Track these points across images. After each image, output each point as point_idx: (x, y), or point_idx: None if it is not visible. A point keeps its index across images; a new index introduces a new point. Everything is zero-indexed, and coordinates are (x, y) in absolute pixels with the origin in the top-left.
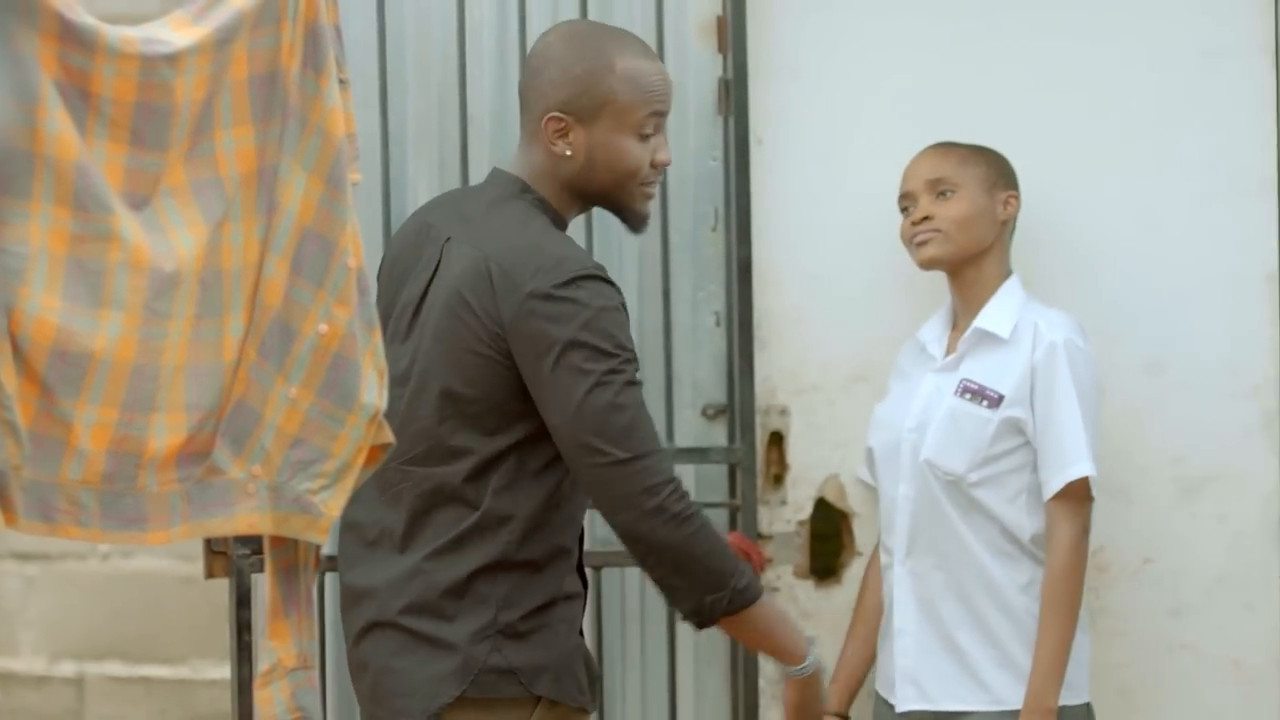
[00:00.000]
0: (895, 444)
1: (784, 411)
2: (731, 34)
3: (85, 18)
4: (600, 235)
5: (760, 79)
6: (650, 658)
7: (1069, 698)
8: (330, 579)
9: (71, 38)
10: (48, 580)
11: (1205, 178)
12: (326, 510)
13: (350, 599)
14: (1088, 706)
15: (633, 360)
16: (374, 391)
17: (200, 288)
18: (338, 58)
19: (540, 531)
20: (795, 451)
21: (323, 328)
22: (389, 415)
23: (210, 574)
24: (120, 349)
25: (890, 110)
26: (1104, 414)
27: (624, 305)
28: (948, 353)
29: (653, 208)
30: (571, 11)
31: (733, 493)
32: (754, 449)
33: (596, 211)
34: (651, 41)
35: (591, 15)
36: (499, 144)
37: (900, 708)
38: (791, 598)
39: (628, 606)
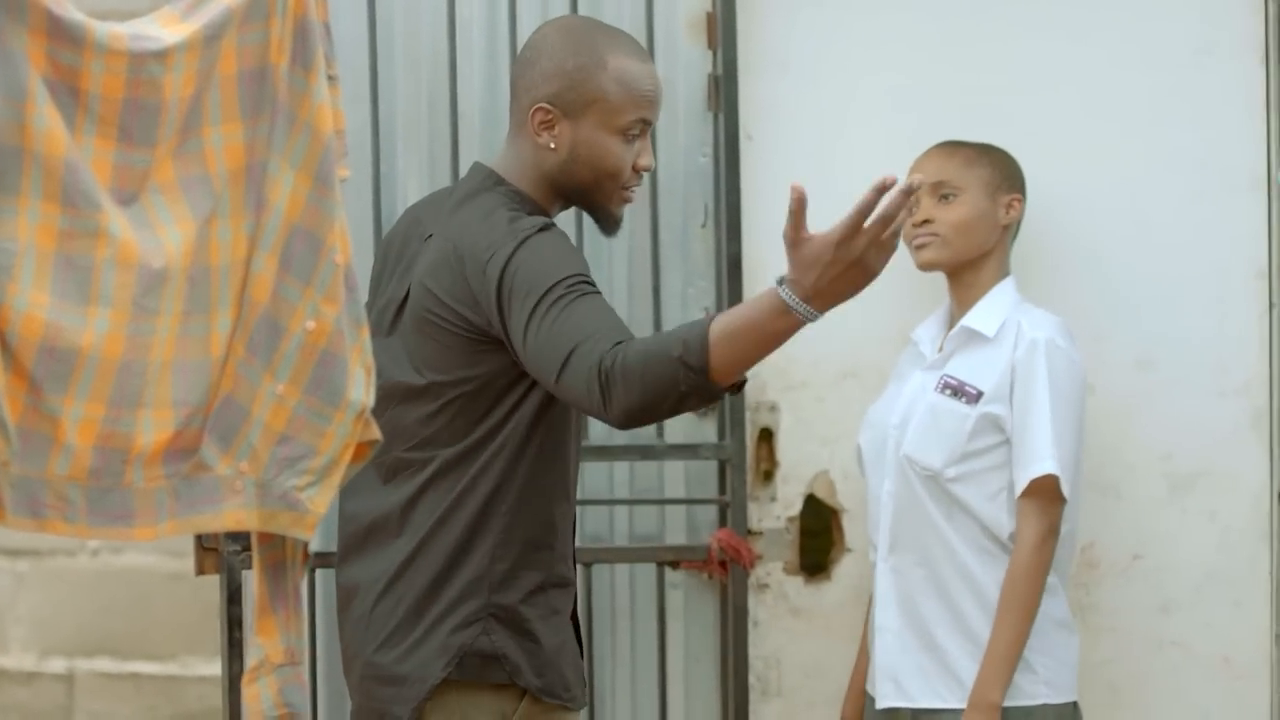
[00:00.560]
0: (881, 441)
1: (774, 408)
2: (721, 30)
3: (74, 14)
4: (591, 232)
5: (750, 75)
6: (640, 654)
7: (1053, 696)
8: (321, 575)
9: (60, 34)
10: (37, 576)
11: (1195, 175)
12: (313, 507)
13: (345, 594)
14: (1074, 706)
15: (581, 279)
16: (361, 388)
17: (188, 284)
18: (327, 54)
19: (533, 511)
20: (785, 448)
21: (310, 324)
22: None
23: (201, 570)
24: (108, 345)
25: (880, 107)
26: (1093, 410)
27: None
28: (939, 351)
29: (643, 204)
30: (562, 8)
31: (722, 489)
32: (744, 445)
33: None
34: (641, 38)
35: (582, 12)
36: (489, 140)
37: (880, 704)
38: (781, 594)
39: (617, 603)
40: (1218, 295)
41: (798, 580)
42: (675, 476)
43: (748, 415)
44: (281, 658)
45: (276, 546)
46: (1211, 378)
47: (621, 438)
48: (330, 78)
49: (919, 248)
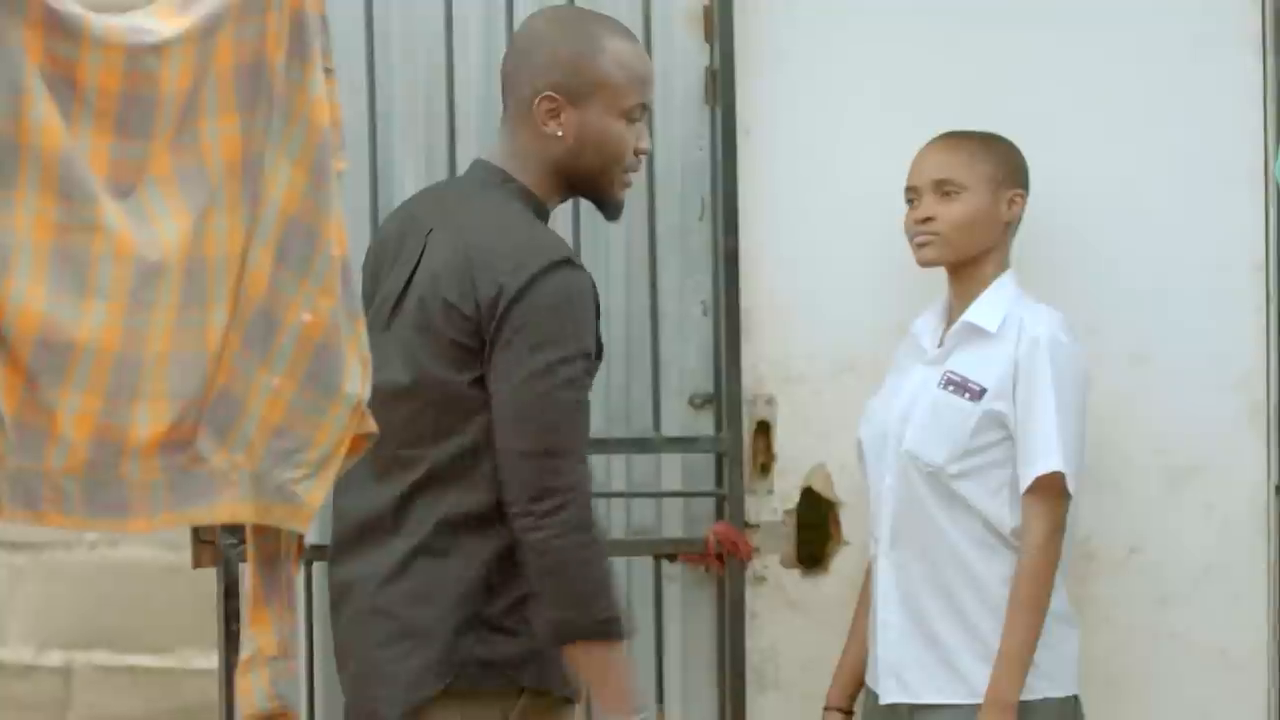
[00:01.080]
0: (882, 436)
1: (771, 401)
2: (719, 24)
3: (71, 7)
4: (587, 226)
5: (747, 69)
6: (637, 647)
7: (1054, 690)
8: (316, 568)
9: (57, 27)
10: (35, 569)
11: (1193, 168)
12: (309, 499)
13: (339, 590)
14: (1075, 700)
15: (584, 358)
16: (357, 381)
17: (184, 277)
18: (323, 47)
19: None
20: (782, 441)
21: (306, 317)
22: (376, 403)
23: (198, 564)
24: (104, 338)
25: (878, 100)
26: (1090, 404)
27: (595, 294)
28: (939, 346)
29: (639, 197)
30: None
31: (719, 482)
32: (741, 438)
33: (584, 203)
34: (638, 31)
35: (579, 3)
36: (486, 132)
37: (882, 699)
38: (778, 587)
39: None
40: (1215, 288)
41: (795, 573)
42: (672, 469)
43: (745, 408)
44: (275, 650)
45: (271, 539)
46: (1209, 371)
47: (618, 430)
48: (327, 70)
49: (920, 245)
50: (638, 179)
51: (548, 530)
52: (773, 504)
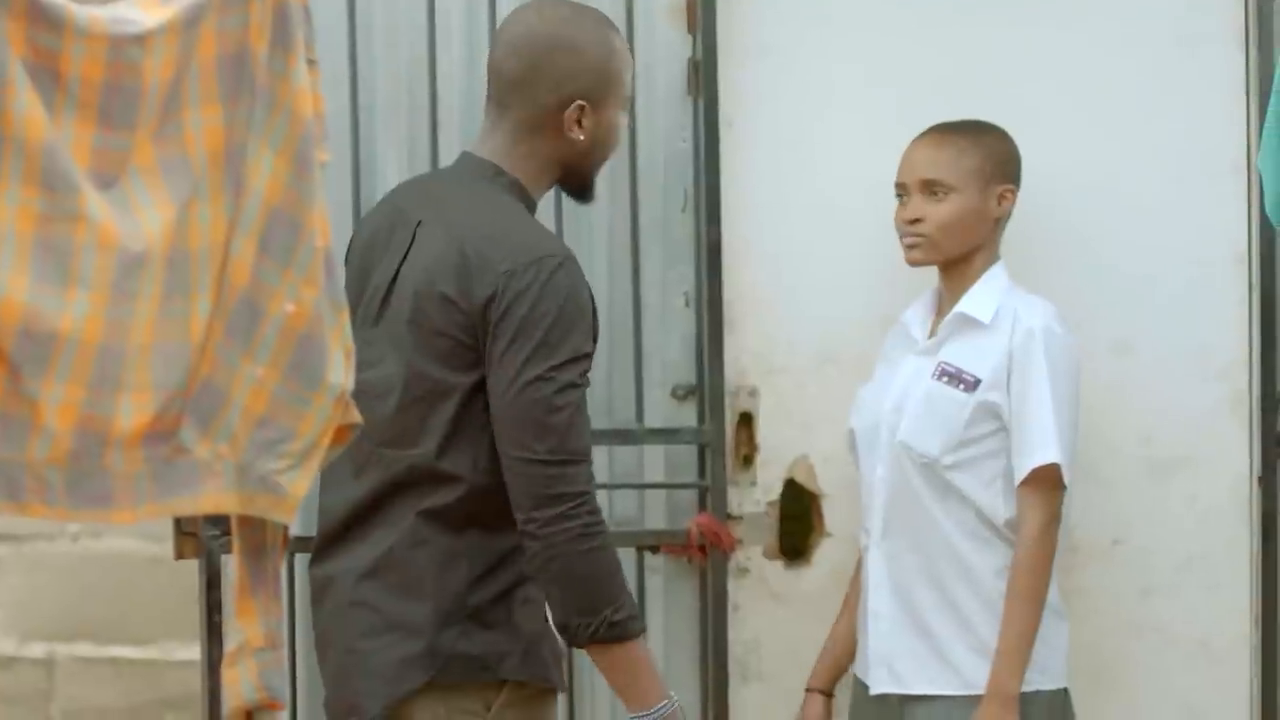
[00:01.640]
0: (875, 426)
1: (754, 392)
2: (701, 15)
3: None
4: (570, 217)
5: (730, 60)
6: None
7: (1045, 683)
8: (300, 560)
9: (40, 18)
10: (17, 561)
11: (1177, 161)
12: (292, 490)
13: (321, 584)
14: (1065, 692)
15: (584, 360)
16: (340, 371)
17: (168, 267)
18: (306, 38)
19: (507, 510)
20: (765, 432)
21: (289, 307)
22: (361, 399)
23: (180, 555)
24: (87, 328)
25: (861, 93)
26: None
27: (590, 295)
28: (930, 336)
29: (622, 189)
30: None
31: (702, 473)
32: (723, 430)
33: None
34: (620, 22)
35: None
36: (468, 123)
37: (873, 690)
38: (761, 579)
39: None
40: (1198, 280)
41: (777, 565)
42: (655, 461)
43: (727, 400)
44: (261, 642)
45: (256, 530)
46: (1192, 362)
47: (601, 422)
48: (310, 61)
49: (909, 247)
50: (620, 171)
51: (556, 537)
52: (755, 496)
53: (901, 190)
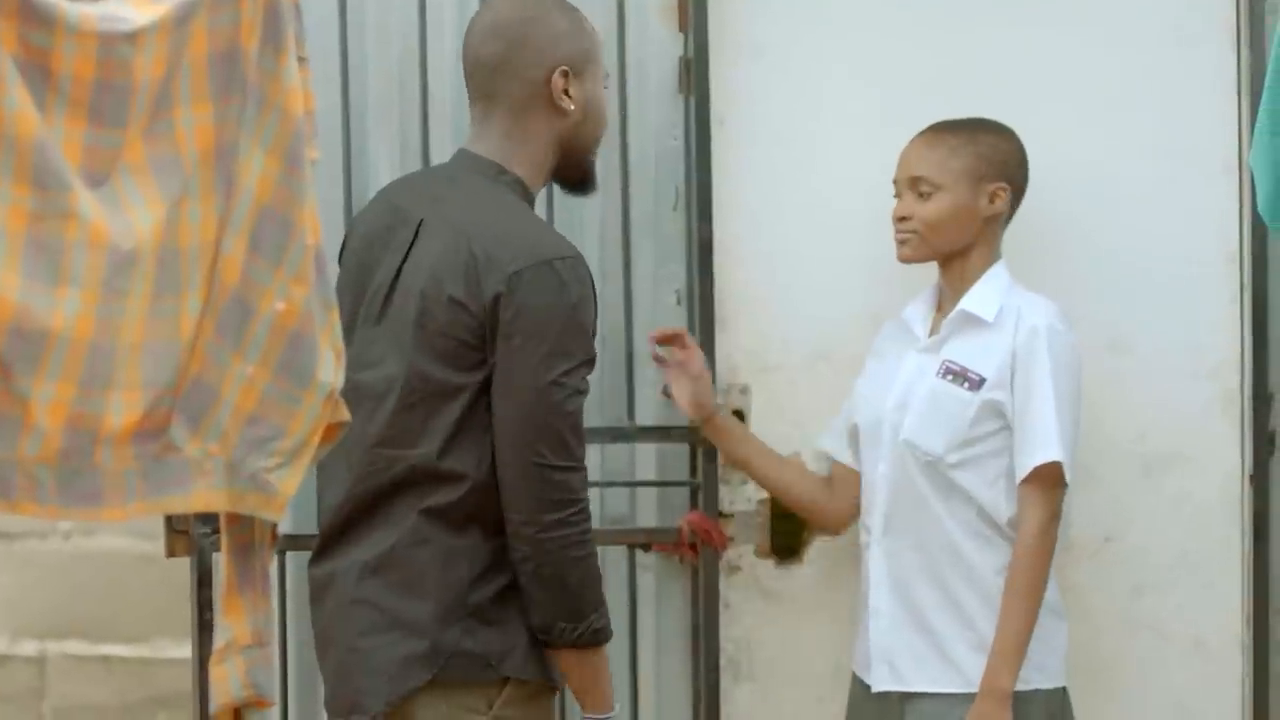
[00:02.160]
0: (877, 423)
1: (745, 390)
2: (693, 13)
3: None
4: (561, 215)
5: (721, 58)
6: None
7: (1043, 681)
8: (291, 557)
9: (32, 15)
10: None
11: (1169, 159)
12: (282, 488)
13: (321, 582)
14: (1063, 691)
15: (590, 365)
16: (330, 369)
17: (158, 265)
18: (297, 35)
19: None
20: (757, 430)
21: (280, 306)
22: (361, 398)
23: (171, 553)
24: (78, 327)
25: (852, 90)
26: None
27: (596, 294)
28: (931, 334)
29: (613, 186)
30: None
31: (694, 471)
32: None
33: (557, 193)
34: (612, 20)
35: None
36: (460, 120)
37: (874, 688)
38: (753, 577)
39: None
40: (1190, 279)
41: (769, 563)
42: (646, 459)
43: (719, 397)
44: (249, 639)
45: (245, 528)
46: (1184, 360)
47: (592, 420)
48: (300, 59)
49: (900, 243)
50: (612, 168)
51: (550, 542)
52: (747, 493)
53: (896, 187)
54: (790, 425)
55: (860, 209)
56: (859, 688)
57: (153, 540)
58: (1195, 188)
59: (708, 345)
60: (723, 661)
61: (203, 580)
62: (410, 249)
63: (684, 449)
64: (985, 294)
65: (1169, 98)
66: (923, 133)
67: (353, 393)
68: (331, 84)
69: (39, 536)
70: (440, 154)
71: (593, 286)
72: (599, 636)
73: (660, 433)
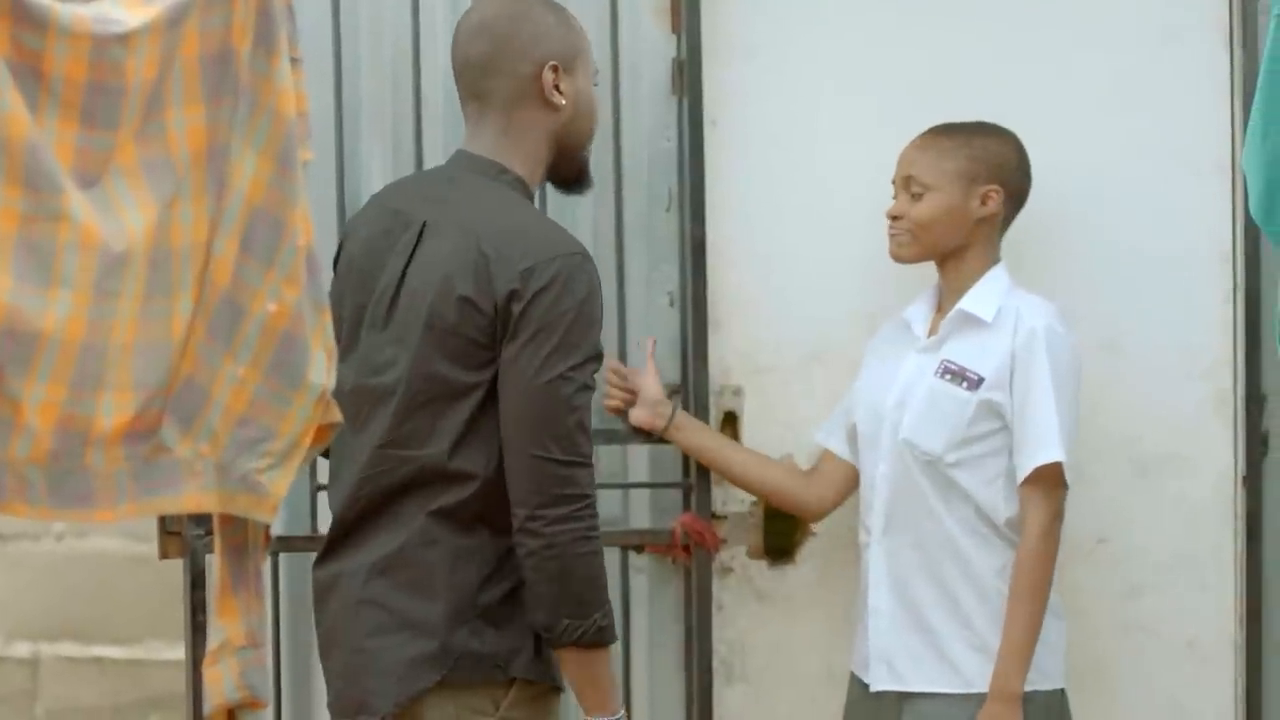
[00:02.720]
0: (877, 423)
1: (738, 392)
2: (685, 15)
3: None
4: (553, 216)
5: (714, 60)
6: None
7: (1042, 683)
8: (284, 558)
9: (24, 17)
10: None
11: (1160, 158)
12: (273, 489)
13: (326, 583)
14: (1062, 693)
15: (598, 361)
16: (322, 371)
17: (150, 267)
18: (289, 36)
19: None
20: (750, 432)
21: (271, 307)
22: (369, 400)
23: (164, 554)
24: (69, 328)
25: (845, 92)
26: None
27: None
28: (930, 334)
29: (606, 188)
30: None
31: (686, 473)
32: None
33: (551, 194)
34: (605, 21)
35: None
36: (453, 121)
37: (873, 687)
38: (746, 578)
39: None
40: (1183, 279)
41: (762, 564)
42: (639, 460)
43: (712, 399)
44: (243, 640)
45: (238, 529)
46: (1177, 361)
47: None
48: (293, 60)
49: (895, 242)
50: (605, 170)
51: (559, 537)
52: (740, 495)
53: (893, 187)
54: (783, 427)
55: (854, 210)
56: (857, 688)
57: (146, 542)
58: (1188, 188)
59: (700, 347)
60: (715, 663)
61: (196, 582)
62: (414, 251)
63: (677, 450)
64: (984, 295)
65: (1161, 98)
66: (921, 134)
67: (362, 396)
68: (324, 85)
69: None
70: (433, 155)
71: (599, 283)
72: (604, 635)
73: (653, 434)
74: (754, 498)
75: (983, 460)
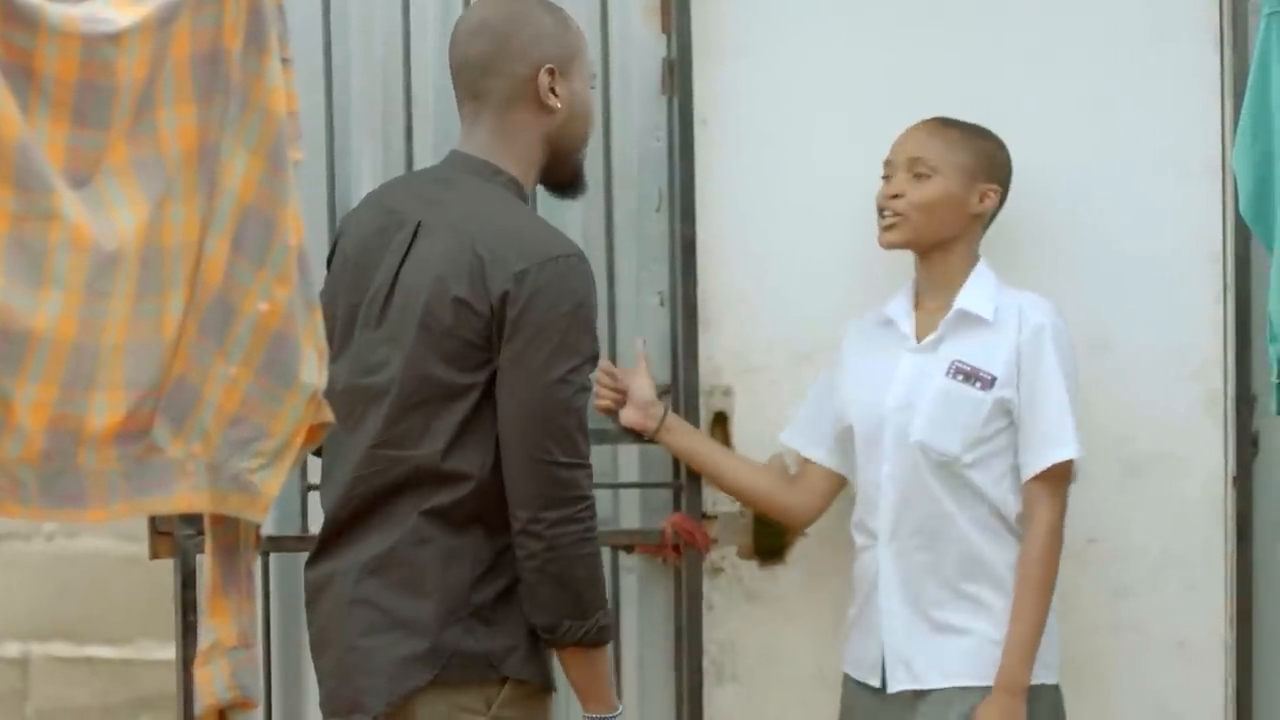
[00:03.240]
0: (877, 425)
1: (728, 392)
2: (676, 14)
3: None
4: (543, 216)
5: (705, 60)
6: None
7: (1047, 677)
8: (275, 558)
9: (15, 17)
10: None
11: (1149, 158)
12: (265, 489)
13: (318, 582)
14: (1057, 689)
15: (594, 362)
16: (313, 370)
17: (141, 266)
18: (280, 36)
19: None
20: (740, 432)
21: (263, 306)
22: (362, 400)
23: (155, 554)
24: (61, 327)
25: (835, 91)
26: None
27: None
28: (920, 331)
29: (596, 188)
30: None
31: (676, 473)
32: (698, 429)
33: (542, 194)
34: (596, 21)
35: None
36: (443, 121)
37: (891, 689)
38: (736, 578)
39: None
40: (1172, 279)
41: (752, 564)
42: (629, 460)
43: (702, 399)
44: (234, 640)
45: (229, 529)
46: (1167, 361)
47: None
48: (284, 60)
49: (885, 227)
50: (595, 170)
51: (558, 539)
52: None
53: (888, 169)
54: (773, 426)
55: (844, 210)
56: (857, 690)
57: (136, 542)
58: (1178, 188)
59: (690, 347)
60: (706, 663)
61: (186, 582)
62: (408, 251)
63: (667, 451)
64: (979, 293)
65: (1151, 98)
66: (925, 121)
67: (355, 396)
68: (315, 84)
69: (22, 538)
70: (423, 154)
71: (594, 284)
72: (604, 635)
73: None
74: None
75: (992, 459)
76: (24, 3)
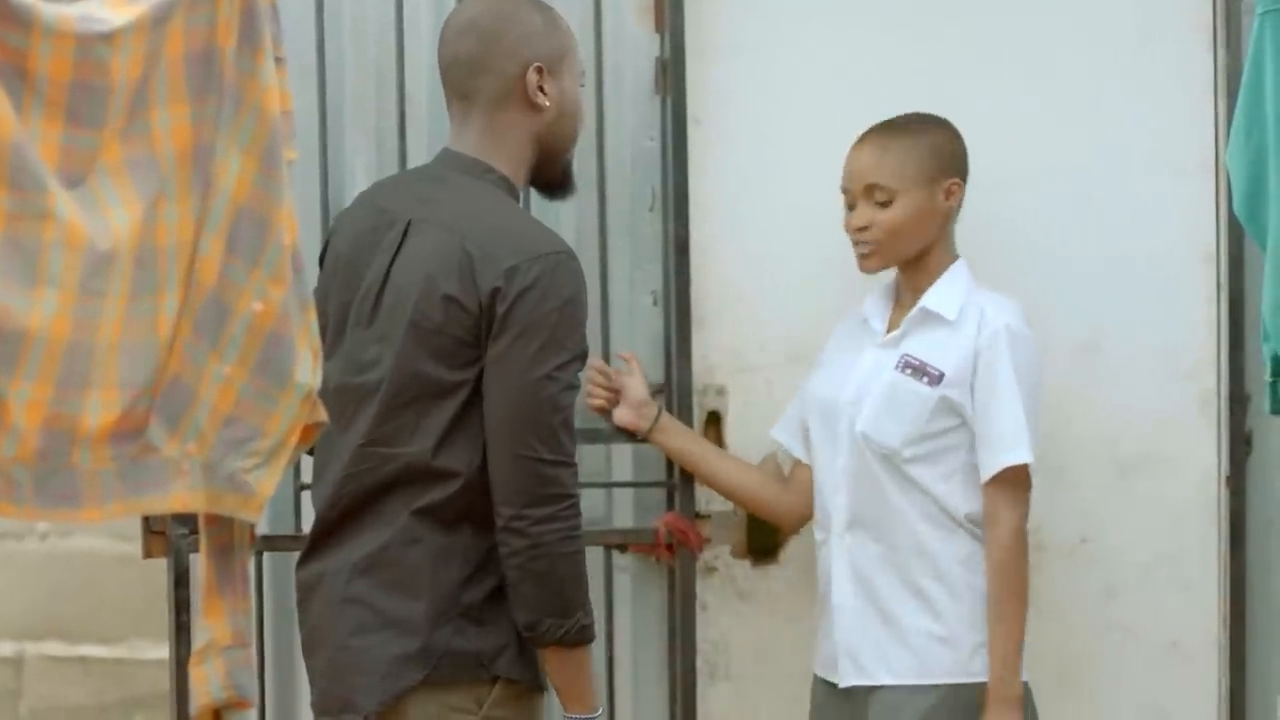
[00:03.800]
0: (833, 417)
1: (722, 391)
2: (669, 14)
3: None
4: (536, 215)
5: (698, 59)
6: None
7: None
8: (269, 558)
9: (8, 16)
10: None
11: (1143, 157)
12: (260, 489)
13: (309, 582)
14: (1026, 685)
15: (582, 360)
16: (308, 370)
17: (135, 266)
18: (274, 35)
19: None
20: (733, 431)
21: (257, 306)
22: (354, 398)
23: (148, 554)
24: (55, 327)
25: (827, 89)
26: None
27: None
28: (889, 329)
29: (589, 187)
30: None
31: (670, 472)
32: (691, 429)
33: (534, 196)
34: (589, 20)
35: None
36: (436, 120)
37: (840, 683)
38: (729, 578)
39: None
40: (1166, 278)
41: (745, 564)
42: (623, 460)
43: (696, 398)
44: (229, 640)
45: (224, 529)
46: (1159, 361)
47: None
48: (277, 59)
49: (862, 256)
50: (588, 169)
51: (543, 537)
52: None
53: (848, 197)
54: (767, 426)
55: (837, 209)
56: (821, 688)
57: (130, 541)
58: (1171, 187)
59: (683, 346)
60: (699, 662)
61: (180, 581)
62: (399, 249)
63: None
64: (947, 292)
65: (1143, 97)
66: (865, 138)
67: (347, 395)
68: (308, 84)
69: (16, 537)
70: (417, 153)
71: (584, 282)
72: (585, 634)
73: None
74: None
75: (940, 456)
76: (18, 2)
